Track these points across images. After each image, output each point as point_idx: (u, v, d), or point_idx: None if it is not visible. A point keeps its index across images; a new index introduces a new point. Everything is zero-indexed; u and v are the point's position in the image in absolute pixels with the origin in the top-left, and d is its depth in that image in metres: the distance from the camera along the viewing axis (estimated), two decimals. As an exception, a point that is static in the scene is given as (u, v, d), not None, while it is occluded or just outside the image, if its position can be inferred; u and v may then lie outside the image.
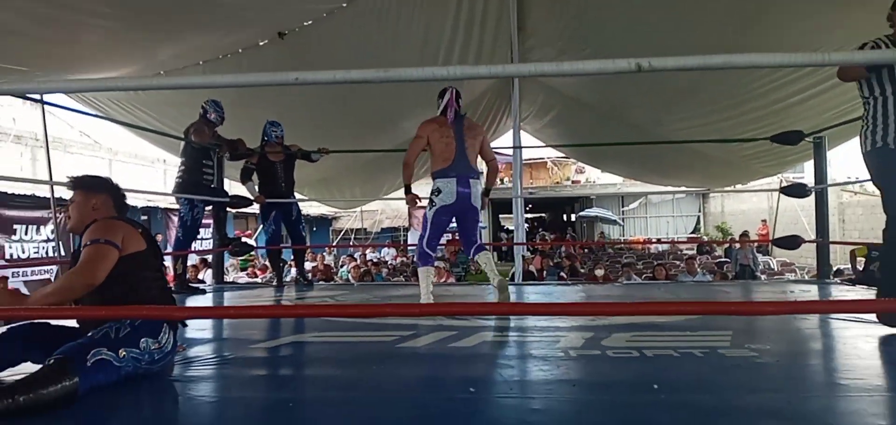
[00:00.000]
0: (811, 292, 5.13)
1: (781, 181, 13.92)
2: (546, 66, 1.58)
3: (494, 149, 4.99)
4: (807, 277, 10.26)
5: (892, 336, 3.09)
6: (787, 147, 6.91)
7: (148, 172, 19.13)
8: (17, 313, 2.45)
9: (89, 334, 2.32)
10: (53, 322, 2.59)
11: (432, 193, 4.32)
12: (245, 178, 5.99)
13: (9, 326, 2.57)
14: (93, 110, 7.76)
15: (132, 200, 14.55)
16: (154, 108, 8.10)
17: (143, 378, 2.42)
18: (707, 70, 7.06)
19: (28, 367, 2.31)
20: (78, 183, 2.73)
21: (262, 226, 6.89)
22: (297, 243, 6.38)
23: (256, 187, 6.01)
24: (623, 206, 25.75)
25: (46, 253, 11.84)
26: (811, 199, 5.99)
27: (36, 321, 2.54)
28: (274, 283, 6.64)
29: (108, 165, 17.74)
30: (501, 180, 25.55)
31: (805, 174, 18.19)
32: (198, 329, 3.63)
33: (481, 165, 4.61)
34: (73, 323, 2.61)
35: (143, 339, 2.38)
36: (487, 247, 4.49)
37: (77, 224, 2.64)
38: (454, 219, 4.46)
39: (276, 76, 1.68)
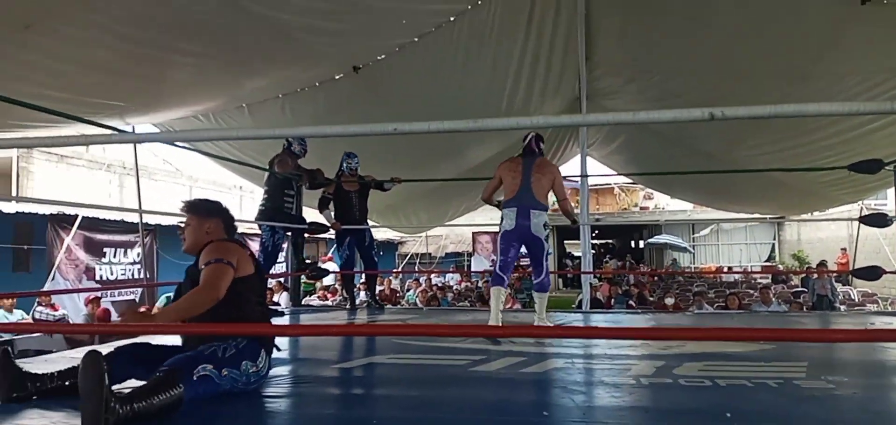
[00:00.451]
0: (893, 324, 4.96)
1: (862, 209, 13.37)
2: (622, 115, 1.70)
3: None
4: (890, 308, 9.82)
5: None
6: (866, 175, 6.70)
7: (225, 198, 19.91)
8: (147, 329, 2.69)
9: (199, 348, 2.54)
10: (154, 342, 2.83)
11: (500, 221, 4.76)
12: (322, 207, 6.27)
13: (116, 346, 2.82)
14: (181, 142, 8.24)
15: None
16: (236, 141, 8.54)
17: (238, 393, 2.61)
18: (777, 118, 6.94)
19: (132, 383, 2.54)
20: (192, 207, 2.97)
21: (335, 250, 7.15)
22: (370, 268, 6.61)
23: (332, 214, 6.28)
24: (693, 233, 25.11)
25: (133, 275, 12.54)
26: (893, 228, 5.80)
27: (139, 341, 2.78)
28: (347, 306, 6.88)
29: (188, 191, 18.61)
30: (567, 206, 25.38)
31: (888, 201, 17.36)
32: (284, 348, 3.85)
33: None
34: (171, 340, 2.84)
35: (244, 362, 2.58)
36: (548, 287, 4.84)
37: (192, 246, 2.88)
38: (524, 247, 4.77)
39: (376, 127, 1.86)
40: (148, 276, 12.06)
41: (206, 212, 2.95)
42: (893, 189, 5.74)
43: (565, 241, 27.01)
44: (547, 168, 4.78)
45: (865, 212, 9.22)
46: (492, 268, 4.88)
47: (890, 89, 6.83)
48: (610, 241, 31.41)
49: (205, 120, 7.78)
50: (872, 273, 5.29)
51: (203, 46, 5.74)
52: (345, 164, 6.37)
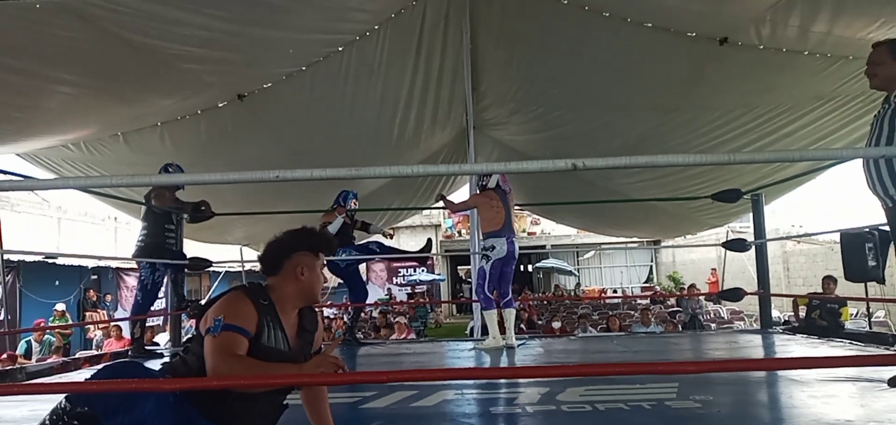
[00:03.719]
0: (754, 342, 5.38)
1: (728, 232, 14.46)
2: (496, 165, 1.74)
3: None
4: (754, 325, 10.62)
5: (823, 385, 3.31)
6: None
7: (98, 231, 18.72)
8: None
9: None
10: None
11: (487, 249, 5.43)
12: None
13: None
14: (46, 172, 7.65)
15: (84, 261, 14.23)
16: (109, 169, 8.04)
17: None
18: (633, 168, 7.45)
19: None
20: None
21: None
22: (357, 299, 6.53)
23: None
24: (578, 257, 26.19)
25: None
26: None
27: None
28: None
29: (57, 224, 17.31)
30: (459, 232, 25.81)
31: (751, 224, 18.84)
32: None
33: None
34: None
35: None
36: (515, 304, 5.70)
37: None
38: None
39: (257, 174, 1.82)
40: (10, 318, 11.06)
41: None
42: (752, 215, 6.24)
43: (458, 267, 27.36)
44: (513, 200, 5.71)
45: (732, 236, 9.99)
46: (480, 295, 5.51)
47: (746, 123, 7.48)
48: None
49: (75, 149, 7.29)
50: (735, 294, 5.73)
51: (79, 76, 5.42)
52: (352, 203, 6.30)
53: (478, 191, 5.72)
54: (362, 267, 24.82)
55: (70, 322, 11.75)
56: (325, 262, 2.41)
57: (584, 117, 8.40)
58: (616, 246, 22.50)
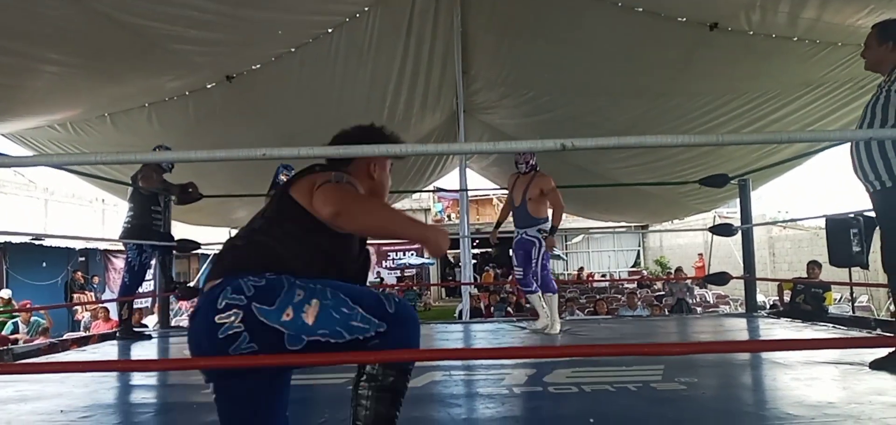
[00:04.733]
0: (739, 325, 5.44)
1: (715, 217, 14.58)
2: (485, 145, 1.77)
3: (441, 188, 5.78)
4: (739, 309, 10.72)
5: (806, 368, 3.36)
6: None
7: (86, 212, 18.58)
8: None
9: None
10: None
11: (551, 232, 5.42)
12: None
13: None
14: (30, 151, 7.57)
15: (71, 243, 14.14)
16: (95, 150, 7.97)
17: None
18: (623, 148, 7.48)
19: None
20: None
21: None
22: None
23: None
24: (567, 241, 26.30)
25: (-23, 297, 11.38)
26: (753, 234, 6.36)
27: None
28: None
29: (43, 205, 17.17)
30: (448, 217, 25.84)
31: (738, 209, 18.98)
32: (147, 375, 3.64)
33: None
34: None
35: None
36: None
37: None
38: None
39: (243, 152, 1.80)
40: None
41: None
42: (739, 200, 6.29)
43: (448, 251, 27.38)
44: None
45: (719, 221, 10.07)
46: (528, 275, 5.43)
47: (735, 108, 7.52)
48: (490, 250, 32.20)
49: (61, 130, 7.22)
50: (721, 278, 5.77)
51: (67, 55, 5.37)
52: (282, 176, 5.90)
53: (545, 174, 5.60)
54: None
55: (15, 307, 11.55)
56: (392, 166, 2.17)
57: (575, 102, 8.43)
58: (604, 230, 22.60)
